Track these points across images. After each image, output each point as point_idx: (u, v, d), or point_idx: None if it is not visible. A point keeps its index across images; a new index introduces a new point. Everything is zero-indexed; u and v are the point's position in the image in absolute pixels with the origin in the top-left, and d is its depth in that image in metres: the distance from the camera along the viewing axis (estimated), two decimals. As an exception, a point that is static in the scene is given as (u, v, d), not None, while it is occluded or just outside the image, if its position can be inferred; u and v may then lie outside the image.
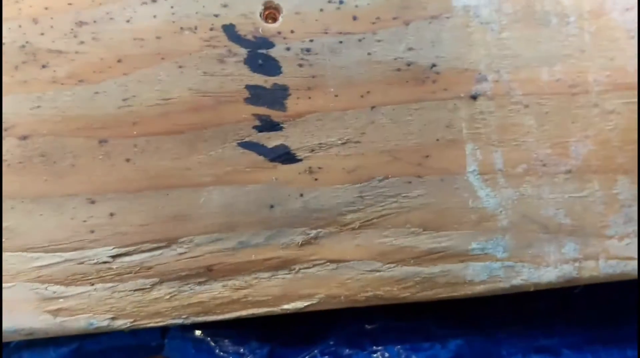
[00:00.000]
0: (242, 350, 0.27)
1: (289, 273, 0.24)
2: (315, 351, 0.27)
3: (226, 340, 0.27)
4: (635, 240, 0.24)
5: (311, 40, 0.24)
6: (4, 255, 0.24)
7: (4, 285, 0.24)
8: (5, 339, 0.24)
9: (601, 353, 0.26)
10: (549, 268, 0.24)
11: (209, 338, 0.27)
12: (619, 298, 0.28)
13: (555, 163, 0.24)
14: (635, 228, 0.24)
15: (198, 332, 0.27)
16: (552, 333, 0.27)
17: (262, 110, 0.24)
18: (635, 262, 0.24)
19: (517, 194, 0.24)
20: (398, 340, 0.27)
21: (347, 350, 0.26)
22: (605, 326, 0.27)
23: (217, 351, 0.27)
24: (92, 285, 0.24)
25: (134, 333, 0.27)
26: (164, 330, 0.27)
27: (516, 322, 0.27)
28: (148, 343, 0.28)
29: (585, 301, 0.28)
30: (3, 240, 0.24)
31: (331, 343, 0.27)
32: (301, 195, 0.24)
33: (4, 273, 0.24)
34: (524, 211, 0.24)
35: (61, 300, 0.24)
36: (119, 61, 0.24)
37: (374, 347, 0.26)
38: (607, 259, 0.24)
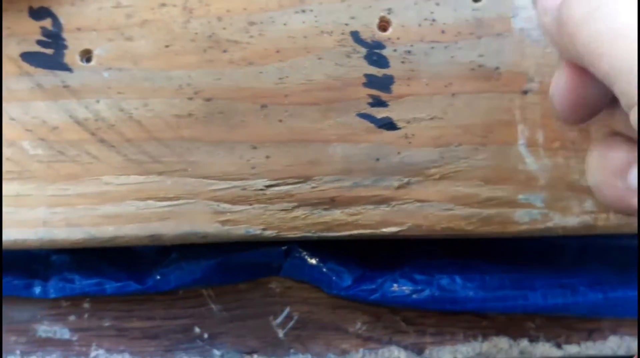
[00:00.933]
0: (342, 269, 0.38)
1: (387, 207, 0.35)
2: (396, 274, 0.38)
3: (331, 261, 0.38)
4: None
5: (411, 45, 0.35)
6: (190, 180, 0.35)
7: (187, 201, 0.35)
8: (187, 241, 0.35)
9: (609, 292, 0.37)
10: (573, 217, 0.35)
11: (318, 260, 0.38)
12: (621, 253, 0.38)
13: (580, 142, 0.35)
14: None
15: (311, 259, 0.38)
16: (572, 275, 0.38)
17: (375, 92, 0.35)
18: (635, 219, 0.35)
19: (552, 163, 0.35)
20: (457, 272, 0.38)
21: (419, 276, 0.37)
22: (612, 272, 0.38)
23: (324, 270, 0.38)
24: (251, 205, 0.35)
25: (262, 254, 0.38)
26: (286, 254, 0.38)
27: (546, 265, 0.38)
28: (271, 264, 0.39)
29: (597, 252, 0.39)
30: (188, 169, 0.35)
31: (407, 269, 0.38)
32: (399, 153, 0.35)
33: (188, 193, 0.35)
34: (557, 175, 0.35)
35: (228, 214, 0.35)
36: (277, 51, 0.36)
37: (439, 275, 0.37)
38: (617, 213, 0.35)
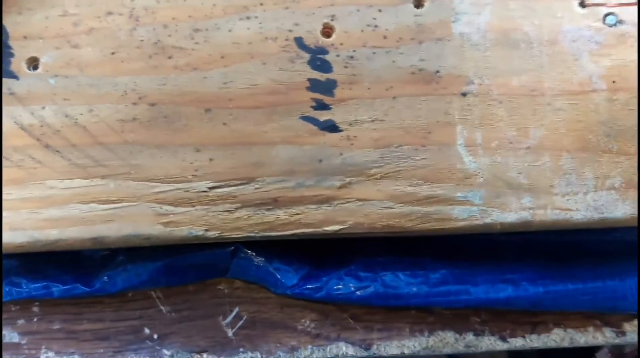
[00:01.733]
0: (288, 268, 0.39)
1: (329, 206, 0.36)
2: (341, 272, 0.39)
3: (276, 261, 0.39)
4: (574, 197, 0.36)
5: (354, 51, 0.36)
6: (133, 183, 0.36)
7: (130, 204, 0.36)
8: (130, 244, 0.36)
9: (550, 285, 0.38)
10: (511, 213, 0.36)
11: (264, 260, 0.39)
12: (560, 248, 0.40)
13: (519, 141, 0.36)
14: (574, 188, 0.36)
15: (257, 259, 0.39)
16: (514, 270, 0.39)
17: (318, 96, 0.36)
18: (573, 213, 0.36)
19: (490, 161, 0.36)
20: (401, 269, 0.39)
21: (363, 273, 0.38)
22: (553, 267, 0.39)
23: (270, 269, 0.39)
24: (194, 206, 0.36)
25: (208, 255, 0.39)
26: (232, 254, 0.39)
27: (488, 261, 0.39)
28: (217, 265, 0.39)
29: (538, 248, 0.40)
30: (131, 173, 0.36)
31: (352, 268, 0.39)
32: (341, 154, 0.36)
33: (131, 196, 0.36)
34: (495, 173, 0.36)
35: (171, 215, 0.36)
36: (222, 57, 0.36)
37: (383, 272, 0.38)
38: (553, 209, 0.36)
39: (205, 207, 0.34)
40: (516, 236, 0.39)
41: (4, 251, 0.33)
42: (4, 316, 0.39)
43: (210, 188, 0.34)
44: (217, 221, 0.34)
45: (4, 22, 0.35)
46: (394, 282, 0.36)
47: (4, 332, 0.39)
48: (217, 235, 0.34)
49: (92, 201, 0.34)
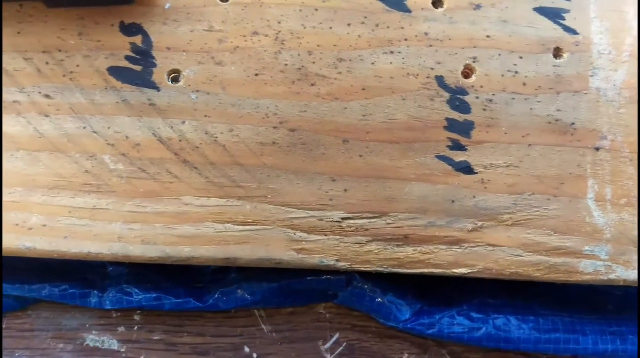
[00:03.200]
0: (401, 302, 0.39)
1: (459, 248, 0.36)
2: (454, 312, 0.39)
3: (390, 294, 0.39)
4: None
5: (493, 94, 0.37)
6: (268, 206, 0.36)
7: (265, 227, 0.36)
8: (260, 266, 0.36)
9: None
10: (634, 271, 0.37)
11: (379, 292, 0.39)
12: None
13: None
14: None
15: (372, 290, 0.39)
16: (620, 322, 0.39)
17: (455, 136, 0.37)
18: None
19: (618, 218, 0.37)
20: (512, 312, 0.39)
21: (476, 315, 0.39)
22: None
23: (383, 302, 0.39)
24: (326, 235, 0.36)
25: (324, 281, 0.39)
26: (347, 283, 0.39)
27: (594, 310, 0.40)
28: (329, 291, 0.40)
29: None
30: (268, 196, 0.36)
31: (465, 307, 0.39)
32: (474, 197, 0.36)
33: (266, 219, 0.36)
34: (622, 230, 0.37)
35: (304, 242, 0.36)
36: (363, 89, 0.37)
37: (495, 315, 0.39)
38: None
39: (338, 237, 0.34)
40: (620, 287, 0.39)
41: (134, 261, 0.33)
42: (104, 322, 0.39)
43: (343, 219, 0.34)
44: (348, 252, 0.34)
45: (148, 30, 0.34)
46: (506, 326, 0.37)
47: (103, 338, 0.39)
48: (347, 266, 0.34)
49: (227, 221, 0.34)
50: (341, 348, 0.39)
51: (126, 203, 0.34)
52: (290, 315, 0.40)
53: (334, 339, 0.39)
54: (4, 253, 0.33)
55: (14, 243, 0.33)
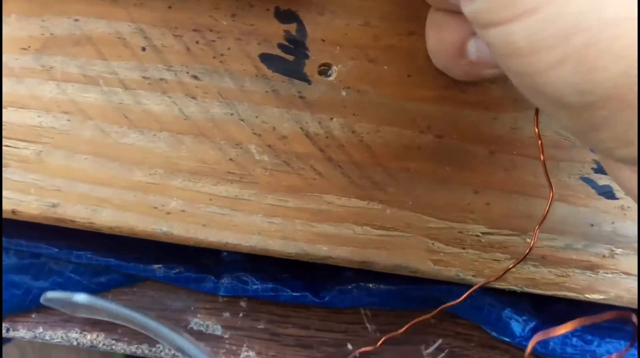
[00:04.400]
0: (518, 318, 0.39)
1: (593, 274, 0.36)
2: (568, 332, 0.39)
3: (509, 309, 0.39)
4: None
5: None
6: (409, 213, 0.35)
7: (403, 234, 0.35)
8: (394, 272, 0.35)
9: None
10: None
11: (498, 306, 0.39)
12: None
13: None
14: None
15: (491, 304, 0.39)
16: None
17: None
18: None
19: None
20: (624, 337, 0.39)
21: (590, 337, 0.39)
22: None
23: (502, 316, 0.39)
24: (464, 249, 0.35)
25: (444, 290, 0.39)
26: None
27: None
28: (445, 299, 0.39)
29: None
30: (409, 202, 0.35)
31: (579, 329, 0.39)
32: (613, 223, 0.36)
33: (406, 226, 0.35)
34: None
35: (442, 254, 0.35)
36: (514, 101, 0.36)
37: (608, 338, 0.39)
38: None
39: (476, 252, 0.34)
40: None
41: (274, 256, 0.33)
42: (210, 306, 0.38)
43: (483, 233, 0.34)
44: (485, 268, 0.34)
45: (304, 19, 0.33)
46: (618, 350, 0.37)
47: (207, 323, 0.38)
48: (482, 282, 0.34)
49: (366, 224, 0.33)
50: (443, 354, 0.39)
51: (268, 195, 0.33)
52: (396, 316, 0.39)
53: (436, 345, 0.39)
54: (140, 236, 0.32)
55: (151, 226, 0.32)
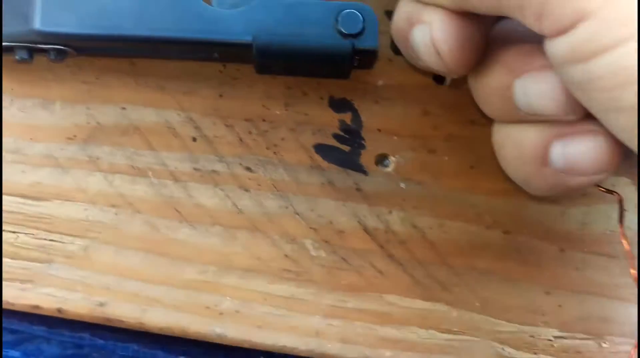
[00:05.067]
0: None
1: None
2: None
3: None
4: None
5: None
6: (476, 316, 0.32)
7: (471, 338, 0.32)
8: None
9: None
10: None
11: None
12: None
13: None
14: None
15: None
16: None
17: None
18: None
19: None
20: None
21: None
22: None
23: None
24: (536, 354, 0.32)
25: None
26: None
27: None
28: None
29: None
30: (476, 304, 0.33)
31: None
32: None
33: (473, 329, 0.32)
34: None
35: None
36: (583, 195, 0.33)
37: None
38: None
39: (549, 357, 0.31)
40: None
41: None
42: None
43: (556, 337, 0.31)
44: (557, 377, 0.31)
45: (359, 108, 0.33)
46: None
47: None
48: (556, 390, 0.31)
49: (431, 328, 0.31)
50: None
51: (326, 295, 0.31)
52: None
53: None
54: (193, 337, 0.30)
55: (203, 327, 0.30)
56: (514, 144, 0.26)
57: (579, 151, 0.24)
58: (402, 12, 0.27)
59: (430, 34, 0.25)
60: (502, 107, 0.26)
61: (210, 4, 0.29)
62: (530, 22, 0.21)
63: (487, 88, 0.26)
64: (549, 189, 0.27)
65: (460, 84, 0.33)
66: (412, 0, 0.26)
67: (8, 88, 0.31)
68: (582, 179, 0.25)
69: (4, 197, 0.31)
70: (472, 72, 0.26)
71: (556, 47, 0.20)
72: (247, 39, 0.29)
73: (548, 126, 0.25)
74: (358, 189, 0.32)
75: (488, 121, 0.30)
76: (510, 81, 0.25)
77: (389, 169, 0.32)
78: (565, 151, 0.24)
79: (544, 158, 0.25)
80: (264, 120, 0.32)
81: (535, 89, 0.24)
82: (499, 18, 0.27)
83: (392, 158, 0.32)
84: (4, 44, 0.29)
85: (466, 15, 0.25)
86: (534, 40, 0.23)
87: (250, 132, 0.32)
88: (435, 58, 0.25)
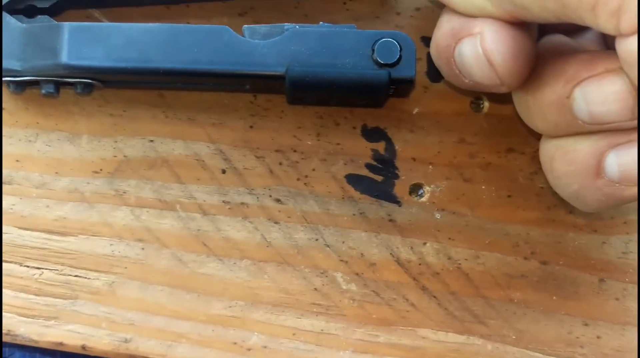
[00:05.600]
0: None
1: None
2: None
3: None
4: None
5: None
6: (512, 349, 0.31)
7: None
8: None
9: None
10: None
11: None
12: None
13: None
14: None
15: None
16: None
17: None
18: None
19: None
20: None
21: None
22: None
23: None
24: None
25: None
26: None
27: None
28: None
29: None
30: (512, 336, 0.32)
31: None
32: None
33: None
34: None
35: None
36: (624, 223, 0.32)
37: None
38: None
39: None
40: None
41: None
42: None
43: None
44: None
45: (393, 137, 0.33)
46: None
47: None
48: None
49: (466, 363, 0.30)
50: None
51: (357, 329, 0.30)
52: None
53: None
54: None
55: (232, 365, 0.29)
56: (566, 157, 0.25)
57: (634, 160, 0.23)
58: (445, 28, 0.26)
59: (482, 46, 0.24)
60: (558, 120, 0.25)
61: (241, 34, 0.28)
62: (603, 21, 0.20)
63: (542, 101, 0.25)
64: (602, 202, 0.26)
65: (497, 110, 0.32)
66: (456, 14, 0.25)
67: (33, 122, 0.30)
68: (636, 190, 0.24)
69: (29, 233, 0.30)
70: (522, 86, 0.26)
71: (632, 45, 0.19)
72: (280, 70, 0.28)
73: (602, 135, 0.24)
74: (391, 220, 0.31)
75: (525, 149, 0.30)
76: (568, 91, 0.24)
77: (424, 199, 0.32)
78: (619, 160, 0.24)
79: (598, 169, 0.25)
80: (294, 151, 0.32)
81: (598, 95, 0.23)
82: (544, 30, 0.26)
83: (426, 188, 0.32)
84: (30, 77, 0.29)
85: (518, 25, 0.24)
86: (584, 50, 0.24)
87: (280, 164, 0.32)
88: (487, 70, 0.25)
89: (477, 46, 0.24)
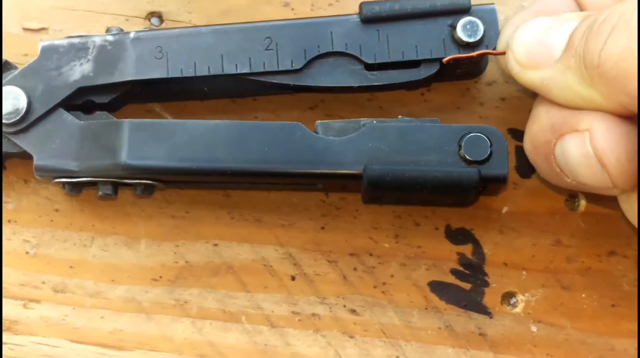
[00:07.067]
0: None
1: None
2: None
3: None
4: None
5: None
6: None
7: None
8: None
9: None
10: None
11: None
12: None
13: None
14: None
15: None
16: None
17: None
18: None
19: None
20: None
21: None
22: None
23: None
24: None
25: None
26: None
27: None
28: None
29: None
30: None
31: None
32: None
33: None
34: None
35: None
36: None
37: None
38: None
39: None
40: None
41: None
42: None
43: None
44: None
45: (481, 239, 0.30)
46: None
47: None
48: None
49: None
50: None
51: None
52: None
53: None
54: None
55: None
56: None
57: None
58: (544, 122, 0.23)
59: (592, 144, 0.21)
60: None
61: (314, 130, 0.25)
62: None
63: None
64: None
65: (595, 209, 0.29)
66: (556, 106, 0.22)
67: (89, 225, 0.29)
68: None
69: (82, 346, 0.28)
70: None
71: None
72: (357, 169, 0.26)
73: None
74: (481, 334, 0.29)
75: (628, 252, 0.27)
76: None
77: (518, 309, 0.29)
78: None
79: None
80: (370, 254, 0.29)
81: None
82: None
83: (520, 297, 0.29)
84: (87, 179, 0.27)
85: (631, 120, 0.21)
86: None
87: (355, 269, 0.29)
88: (598, 172, 0.22)
89: (586, 144, 0.21)
